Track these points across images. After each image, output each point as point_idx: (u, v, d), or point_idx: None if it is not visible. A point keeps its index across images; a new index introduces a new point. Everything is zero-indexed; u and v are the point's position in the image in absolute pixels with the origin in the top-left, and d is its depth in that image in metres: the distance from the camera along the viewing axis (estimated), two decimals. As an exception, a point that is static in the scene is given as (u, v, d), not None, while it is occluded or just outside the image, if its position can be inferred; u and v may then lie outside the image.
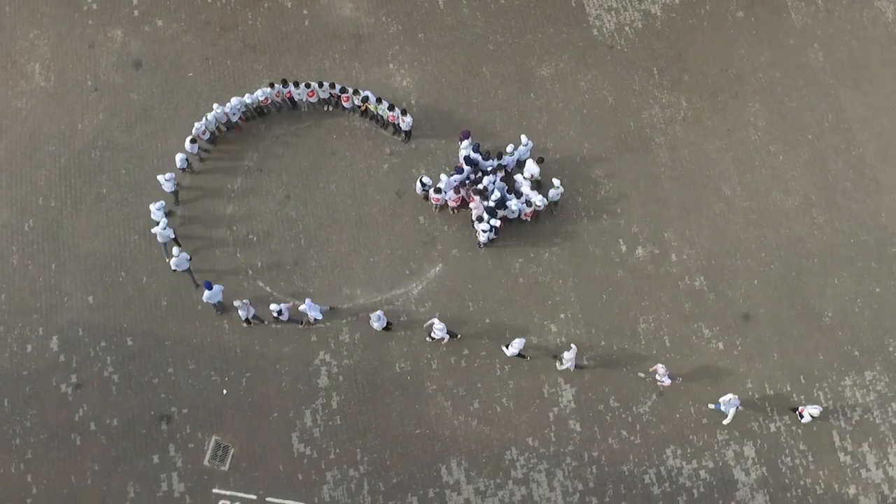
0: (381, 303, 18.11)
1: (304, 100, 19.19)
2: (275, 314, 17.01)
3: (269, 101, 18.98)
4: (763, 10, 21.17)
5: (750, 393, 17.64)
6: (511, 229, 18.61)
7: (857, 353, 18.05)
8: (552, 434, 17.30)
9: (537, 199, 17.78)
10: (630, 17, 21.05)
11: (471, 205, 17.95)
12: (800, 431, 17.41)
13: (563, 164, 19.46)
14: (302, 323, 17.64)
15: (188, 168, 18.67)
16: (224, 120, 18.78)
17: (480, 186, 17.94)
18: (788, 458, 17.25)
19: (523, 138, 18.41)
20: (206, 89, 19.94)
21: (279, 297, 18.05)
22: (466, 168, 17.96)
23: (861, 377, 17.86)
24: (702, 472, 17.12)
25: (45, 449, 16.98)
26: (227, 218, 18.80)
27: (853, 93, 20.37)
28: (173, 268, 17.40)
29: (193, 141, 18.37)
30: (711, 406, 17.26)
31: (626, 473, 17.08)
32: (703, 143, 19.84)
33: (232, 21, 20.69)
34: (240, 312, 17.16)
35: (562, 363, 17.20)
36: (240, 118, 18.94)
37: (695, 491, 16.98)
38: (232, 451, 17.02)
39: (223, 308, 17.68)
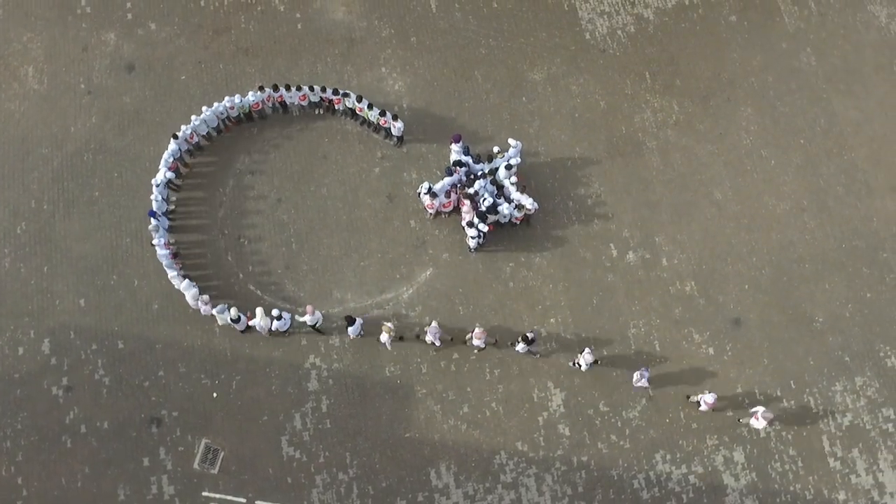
0: (371, 306, 18.13)
1: (295, 103, 19.21)
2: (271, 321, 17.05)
3: (261, 105, 19.00)
4: (756, 15, 21.15)
5: (740, 398, 17.63)
6: (502, 233, 18.62)
7: (847, 358, 18.04)
8: (541, 438, 17.32)
9: (527, 203, 17.78)
10: (622, 21, 21.05)
11: (462, 209, 17.95)
12: (790, 437, 17.40)
13: (555, 167, 19.48)
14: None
15: (176, 179, 18.66)
16: (214, 124, 18.79)
17: (471, 191, 17.95)
18: (778, 464, 17.24)
19: (511, 141, 18.37)
20: (198, 92, 19.98)
21: (269, 300, 18.08)
22: (460, 170, 17.95)
23: (851, 382, 17.85)
24: (691, 478, 17.13)
25: (36, 451, 17.04)
26: (219, 221, 18.84)
27: (846, 97, 20.35)
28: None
29: (175, 137, 18.26)
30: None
31: (616, 478, 17.08)
32: (694, 148, 19.83)
33: (225, 24, 20.73)
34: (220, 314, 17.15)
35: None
36: (228, 120, 18.94)
37: (684, 496, 16.98)
38: (222, 454, 17.06)
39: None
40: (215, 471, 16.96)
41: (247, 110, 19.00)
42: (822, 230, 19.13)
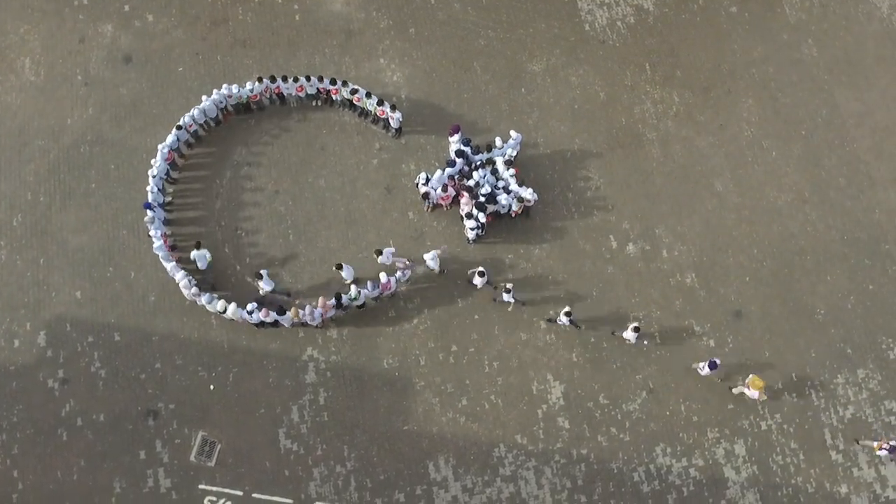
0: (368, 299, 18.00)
1: (292, 94, 19.09)
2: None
3: (259, 97, 18.87)
4: (756, 5, 21.00)
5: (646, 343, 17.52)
6: (501, 225, 18.49)
7: (849, 350, 17.89)
8: (541, 431, 17.18)
9: (527, 194, 17.64)
10: (622, 12, 20.91)
11: (461, 201, 17.81)
12: (791, 430, 17.25)
13: (554, 159, 19.34)
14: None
15: (177, 161, 18.55)
16: (213, 114, 18.67)
17: (471, 182, 17.82)
18: (779, 457, 17.09)
19: (512, 133, 18.25)
20: (196, 84, 19.86)
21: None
22: (459, 161, 17.82)
23: (853, 375, 17.70)
24: (692, 471, 16.98)
25: (32, 444, 16.92)
26: (216, 213, 18.72)
27: (847, 89, 20.20)
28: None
29: (179, 128, 18.17)
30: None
31: (616, 471, 16.94)
32: (695, 139, 19.69)
33: (222, 16, 20.61)
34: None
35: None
36: (227, 109, 18.80)
37: (684, 489, 16.83)
38: (218, 446, 16.94)
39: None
40: (212, 463, 16.83)
41: (245, 101, 18.88)
42: (823, 222, 18.98)
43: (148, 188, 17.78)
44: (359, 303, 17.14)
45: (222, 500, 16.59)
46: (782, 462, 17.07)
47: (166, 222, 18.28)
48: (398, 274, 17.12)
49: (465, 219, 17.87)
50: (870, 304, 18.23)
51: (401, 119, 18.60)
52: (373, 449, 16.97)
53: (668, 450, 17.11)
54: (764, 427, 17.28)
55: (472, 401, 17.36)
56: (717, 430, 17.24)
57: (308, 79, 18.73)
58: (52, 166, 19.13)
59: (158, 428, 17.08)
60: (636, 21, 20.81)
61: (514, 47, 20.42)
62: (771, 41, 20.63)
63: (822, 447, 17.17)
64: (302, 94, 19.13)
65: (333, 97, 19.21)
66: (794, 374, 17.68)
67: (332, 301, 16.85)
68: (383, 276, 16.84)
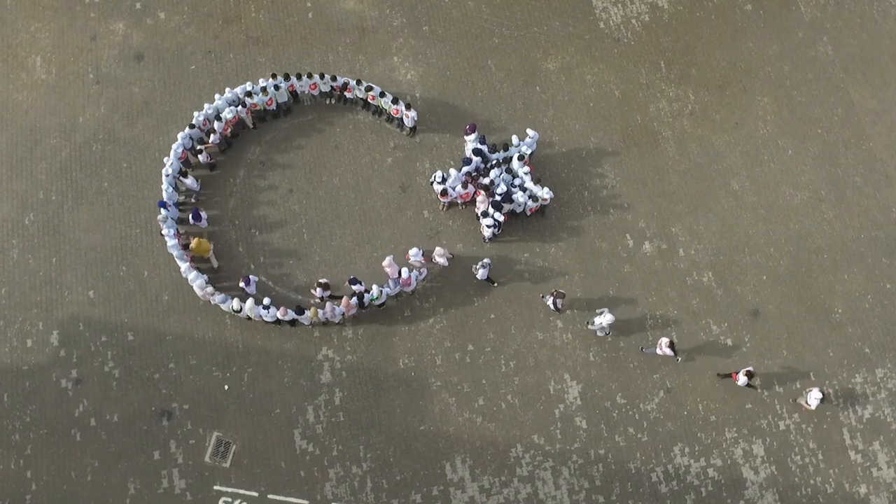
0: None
1: (305, 92, 18.97)
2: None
3: (274, 102, 18.70)
4: (771, 3, 20.92)
5: (759, 390, 17.37)
6: (517, 224, 18.38)
7: (867, 349, 17.78)
8: (558, 431, 17.06)
9: (543, 193, 17.54)
10: (637, 10, 20.81)
11: (477, 199, 17.71)
12: (810, 429, 17.14)
13: (569, 157, 19.23)
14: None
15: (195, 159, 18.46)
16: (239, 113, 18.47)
17: (486, 181, 17.72)
18: (798, 457, 16.98)
19: (529, 131, 18.15)
20: (208, 82, 19.75)
21: (281, 291, 17.84)
22: (476, 159, 17.71)
23: (872, 374, 17.59)
24: (710, 471, 16.86)
25: (45, 444, 16.78)
26: (230, 212, 18.60)
27: (863, 86, 20.11)
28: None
29: (192, 126, 18.05)
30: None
31: (633, 471, 16.83)
32: (710, 137, 19.59)
33: (235, 13, 20.49)
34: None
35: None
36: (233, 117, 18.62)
37: (703, 489, 16.72)
38: (233, 447, 16.82)
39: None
40: (227, 464, 16.71)
41: (262, 108, 18.72)
42: (840, 220, 18.88)
43: (162, 186, 17.65)
44: (380, 301, 17.03)
45: (237, 501, 16.46)
46: (801, 462, 16.97)
47: (179, 221, 18.15)
48: (415, 272, 17.01)
49: (481, 217, 17.75)
50: (887, 303, 18.12)
51: (416, 118, 18.50)
52: (389, 449, 16.85)
53: (686, 450, 17.00)
54: (782, 427, 17.17)
55: (489, 401, 17.24)
56: (735, 429, 17.13)
57: (322, 76, 18.61)
58: (64, 165, 19.01)
59: (173, 428, 16.95)
60: (651, 19, 20.71)
61: (528, 45, 20.32)
62: (786, 39, 20.54)
63: (841, 447, 17.06)
64: (315, 93, 19.02)
65: (347, 95, 19.10)
66: (812, 374, 17.57)
67: (355, 300, 16.75)
68: (404, 272, 16.74)
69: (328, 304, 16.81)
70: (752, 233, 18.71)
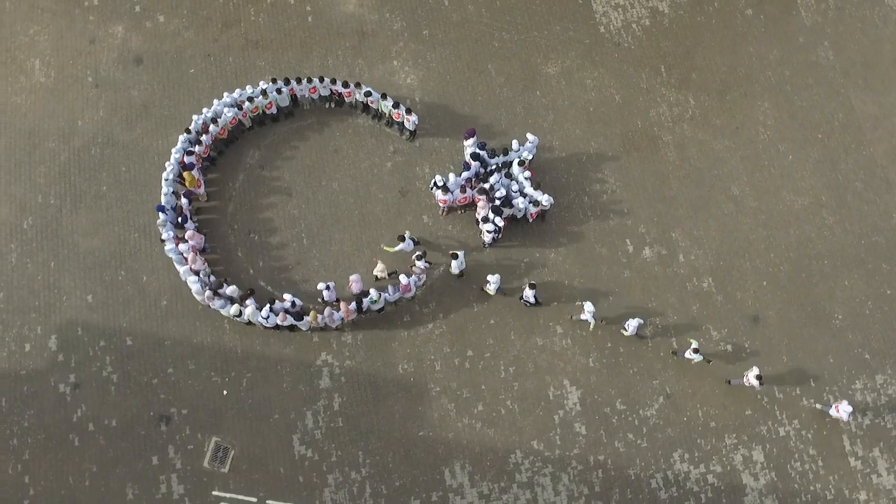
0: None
1: (305, 96, 18.92)
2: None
3: (274, 105, 18.64)
4: (772, 8, 20.88)
5: (759, 396, 17.34)
6: (517, 229, 18.34)
7: (867, 356, 17.76)
8: (557, 437, 17.02)
9: (543, 199, 17.49)
10: (637, 15, 20.77)
11: (477, 205, 17.66)
12: (810, 436, 17.11)
13: (570, 162, 19.19)
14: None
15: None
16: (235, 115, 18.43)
17: (486, 185, 17.67)
18: (798, 463, 16.96)
19: (529, 136, 18.11)
20: (207, 86, 19.69)
21: (279, 297, 17.77)
22: (474, 164, 17.68)
23: (872, 381, 17.57)
24: (709, 477, 16.83)
25: (43, 449, 16.73)
26: (229, 216, 18.54)
27: (863, 91, 20.08)
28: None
29: (188, 131, 18.00)
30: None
31: (633, 478, 16.79)
32: (711, 142, 19.55)
33: (234, 17, 20.44)
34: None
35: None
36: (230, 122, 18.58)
37: (702, 496, 16.69)
38: (232, 452, 16.77)
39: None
40: (225, 470, 16.66)
41: (262, 111, 18.68)
42: (840, 226, 18.85)
43: (162, 191, 17.59)
44: (378, 306, 16.98)
45: (236, 507, 16.43)
46: (801, 468, 16.94)
47: (178, 225, 18.08)
48: (413, 277, 16.97)
49: (481, 222, 17.71)
50: (888, 308, 18.10)
51: (417, 122, 18.44)
52: (388, 455, 16.80)
53: (686, 456, 16.97)
54: (782, 433, 17.14)
55: (488, 406, 17.20)
56: (734, 435, 17.10)
57: (321, 80, 18.56)
58: (63, 168, 18.95)
59: (171, 433, 16.90)
60: (651, 23, 20.67)
61: (528, 50, 20.27)
62: (787, 44, 20.51)
63: (840, 453, 17.03)
64: (315, 96, 18.96)
65: (346, 100, 19.05)
66: (811, 380, 17.54)
67: (353, 306, 16.71)
68: (403, 278, 16.69)
69: (327, 309, 16.76)
70: (752, 238, 18.68)
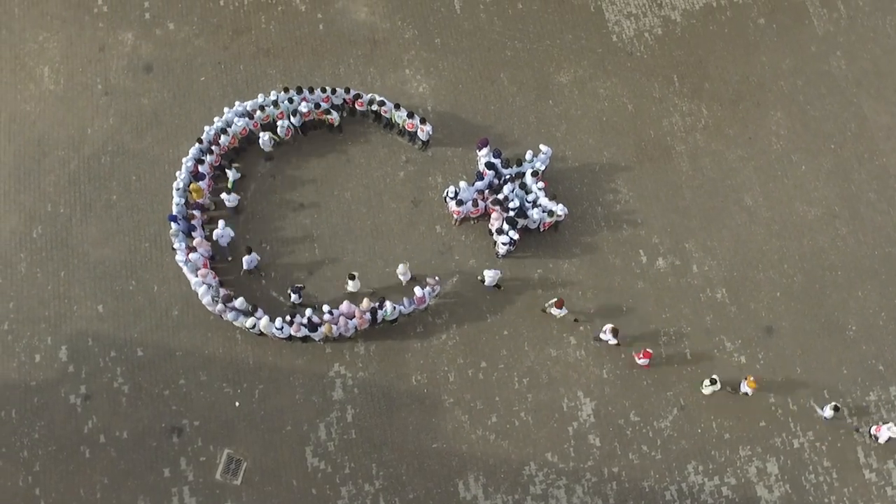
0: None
1: (320, 105, 18.76)
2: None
3: (285, 115, 18.53)
4: (785, 17, 20.84)
5: (773, 408, 17.30)
6: (530, 240, 18.26)
7: (881, 367, 17.72)
8: (571, 449, 16.96)
9: (558, 209, 17.43)
10: (650, 24, 20.71)
11: (492, 216, 17.58)
12: (824, 448, 17.07)
13: (582, 172, 19.13)
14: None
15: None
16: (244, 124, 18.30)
17: (500, 196, 17.59)
18: (812, 475, 16.91)
19: (542, 147, 18.04)
20: (218, 94, 19.58)
21: (288, 304, 17.69)
22: (489, 174, 17.60)
23: (886, 392, 17.53)
24: (724, 489, 16.78)
25: (54, 461, 16.60)
26: (240, 226, 18.42)
27: (876, 101, 20.05)
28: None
29: (200, 141, 17.89)
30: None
31: (647, 490, 16.73)
32: (724, 152, 19.50)
33: (245, 25, 20.33)
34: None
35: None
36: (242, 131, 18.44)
37: (717, 508, 16.66)
38: (244, 464, 16.67)
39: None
40: (238, 482, 16.56)
41: (273, 120, 18.53)
42: (854, 237, 18.81)
43: (173, 201, 17.48)
44: (392, 317, 16.90)
45: (248, 519, 16.33)
46: (815, 481, 16.89)
47: (188, 234, 17.97)
48: (428, 289, 16.89)
49: (495, 234, 17.62)
50: (901, 320, 18.08)
51: (431, 132, 18.36)
52: (401, 467, 16.72)
53: (700, 468, 16.92)
54: (796, 445, 17.10)
55: (502, 418, 17.12)
56: (749, 447, 17.05)
57: (334, 91, 18.44)
58: (73, 177, 18.81)
59: (183, 445, 16.79)
60: (664, 32, 20.62)
61: (541, 59, 20.20)
62: (799, 53, 20.47)
63: (855, 466, 17.00)
64: (328, 105, 18.82)
65: (358, 108, 18.95)
66: (825, 391, 17.50)
67: (368, 316, 16.62)
68: (418, 291, 16.62)
69: (342, 319, 16.67)
70: (765, 249, 18.64)
